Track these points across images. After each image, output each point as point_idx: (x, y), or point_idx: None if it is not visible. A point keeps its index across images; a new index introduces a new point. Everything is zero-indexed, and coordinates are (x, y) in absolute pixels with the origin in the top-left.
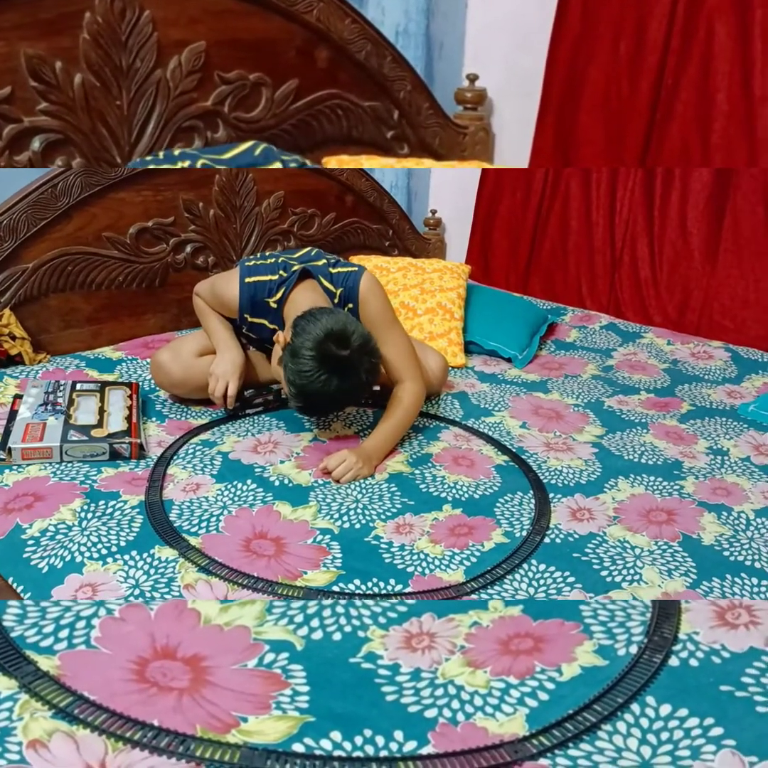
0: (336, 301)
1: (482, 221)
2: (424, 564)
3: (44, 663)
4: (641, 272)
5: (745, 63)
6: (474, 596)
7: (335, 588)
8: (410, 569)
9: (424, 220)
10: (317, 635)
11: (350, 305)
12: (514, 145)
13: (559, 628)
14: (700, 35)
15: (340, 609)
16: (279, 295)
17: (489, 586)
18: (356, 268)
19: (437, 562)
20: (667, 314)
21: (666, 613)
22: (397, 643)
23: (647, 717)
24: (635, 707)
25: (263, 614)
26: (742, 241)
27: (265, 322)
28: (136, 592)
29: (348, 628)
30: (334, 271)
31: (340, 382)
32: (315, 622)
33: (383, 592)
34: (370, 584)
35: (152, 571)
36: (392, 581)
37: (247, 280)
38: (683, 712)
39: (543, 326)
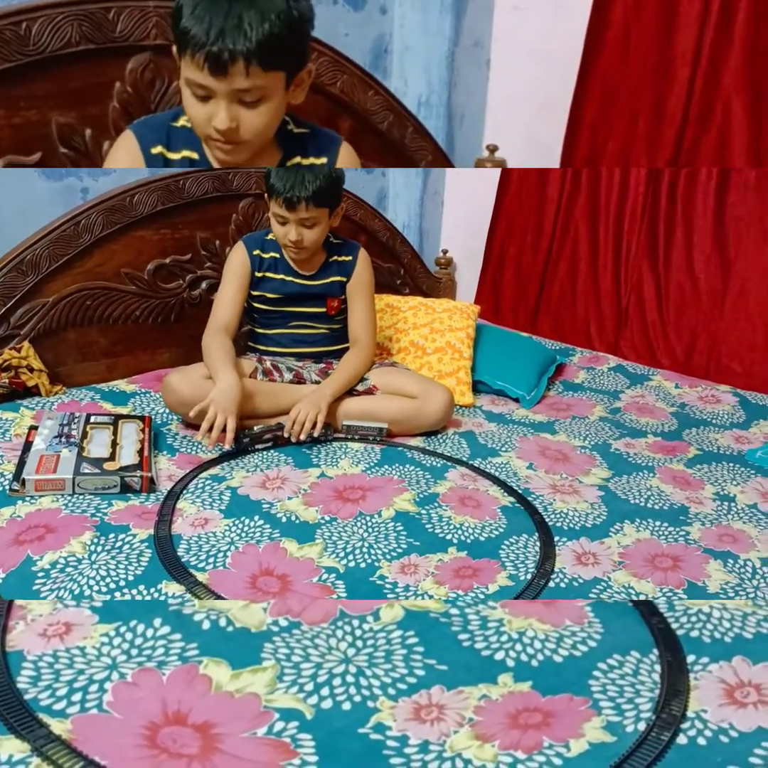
0: (333, 242)
1: (493, 262)
2: None
3: (57, 726)
4: (648, 315)
5: (761, 139)
6: None
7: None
8: None
9: (435, 260)
10: (327, 704)
11: (349, 258)
12: None
13: (568, 703)
14: (716, 111)
15: (350, 678)
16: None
17: None
18: (354, 242)
19: None
20: (675, 357)
21: (675, 689)
22: (406, 715)
23: None
24: None
25: (274, 682)
26: (749, 285)
27: (276, 255)
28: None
29: (357, 698)
30: (334, 240)
31: None
32: (325, 691)
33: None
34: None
35: None
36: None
37: (245, 237)
38: None
39: (551, 367)
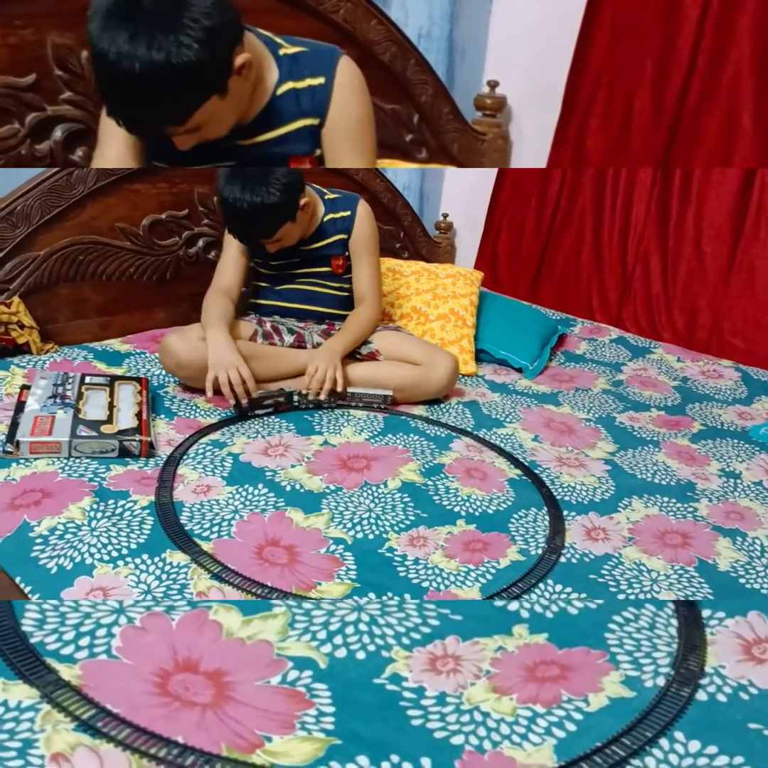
0: (329, 198)
1: (495, 227)
2: (438, 579)
3: (65, 672)
4: (653, 288)
5: None
6: None
7: (349, 601)
8: (425, 584)
9: (436, 224)
10: (340, 653)
11: (347, 213)
12: (531, 155)
13: (584, 656)
14: (727, 55)
15: (363, 626)
16: None
17: None
18: (353, 194)
19: (452, 578)
20: (676, 330)
21: (691, 644)
22: (421, 665)
23: (676, 753)
24: (664, 742)
25: (285, 629)
26: (757, 262)
27: None
28: (148, 597)
29: (371, 648)
30: (330, 195)
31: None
32: (338, 640)
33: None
34: (385, 599)
35: (164, 576)
36: (407, 596)
37: None
38: (712, 749)
39: (553, 337)
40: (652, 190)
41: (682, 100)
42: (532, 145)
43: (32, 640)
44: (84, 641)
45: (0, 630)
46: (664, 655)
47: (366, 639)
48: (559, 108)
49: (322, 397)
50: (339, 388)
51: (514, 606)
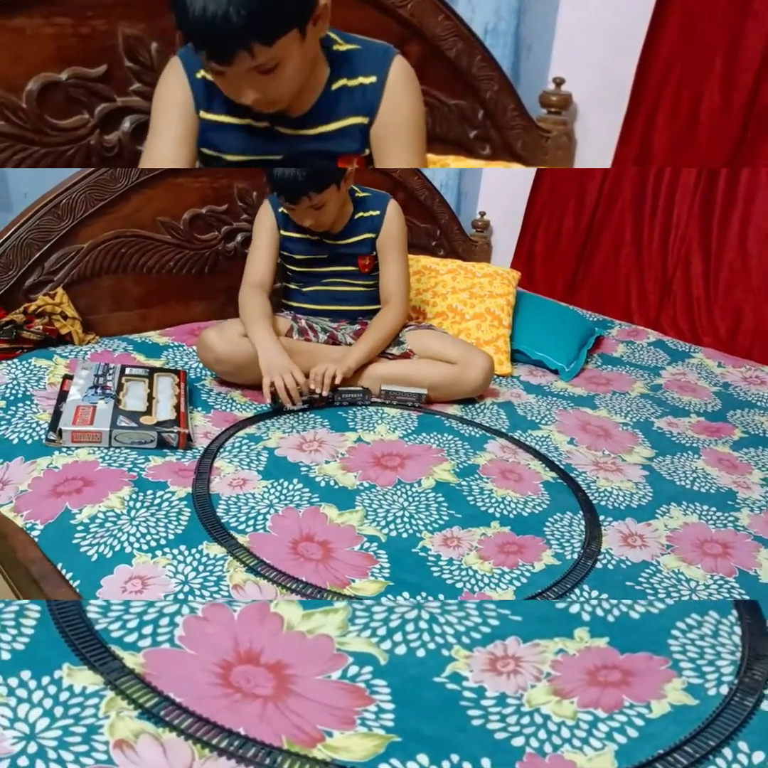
0: (359, 195)
1: (532, 227)
2: (472, 581)
3: (129, 660)
4: (694, 290)
5: None
6: None
7: (384, 600)
8: (459, 585)
9: (472, 222)
10: (401, 650)
11: (377, 212)
12: (596, 153)
13: (647, 662)
14: None
15: (423, 624)
16: None
17: None
18: (384, 193)
19: (486, 580)
20: (717, 335)
21: (756, 654)
22: (481, 665)
23: (740, 763)
24: (727, 752)
25: (346, 624)
26: None
27: None
28: (185, 588)
29: (431, 645)
30: (360, 193)
31: None
32: (398, 637)
33: None
34: (419, 598)
35: (201, 567)
36: (442, 597)
37: (271, 195)
38: None
39: (590, 339)
40: (695, 190)
41: (752, 97)
42: (596, 143)
43: (97, 627)
44: (147, 630)
45: (66, 616)
46: (727, 664)
47: (426, 637)
48: (625, 106)
49: (325, 392)
50: (339, 380)
51: (575, 608)
